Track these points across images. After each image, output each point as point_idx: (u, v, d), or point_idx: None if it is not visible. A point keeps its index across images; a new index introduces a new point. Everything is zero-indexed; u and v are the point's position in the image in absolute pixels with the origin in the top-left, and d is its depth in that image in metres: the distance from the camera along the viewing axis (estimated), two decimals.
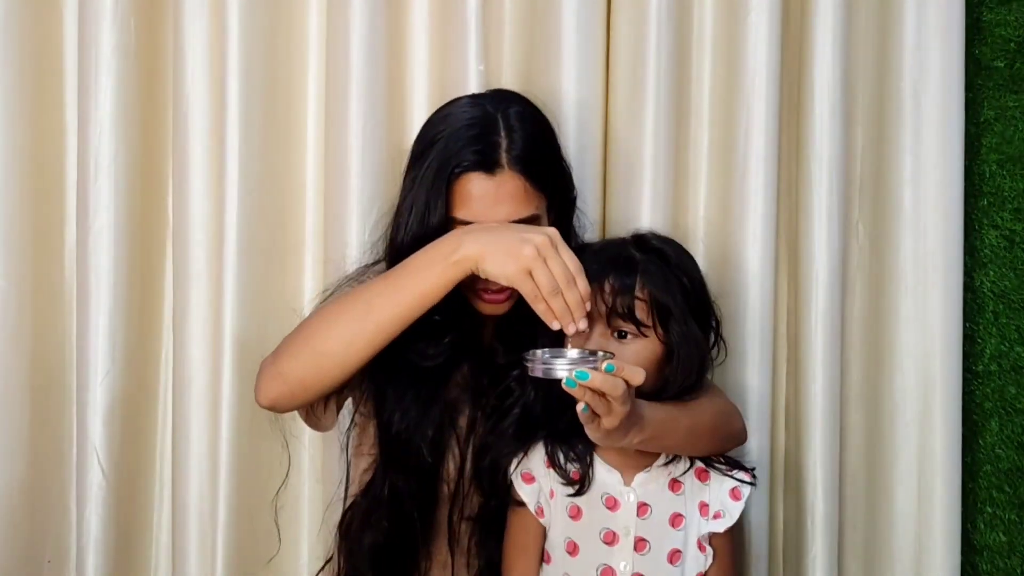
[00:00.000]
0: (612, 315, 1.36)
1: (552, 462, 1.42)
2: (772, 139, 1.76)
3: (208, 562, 1.69)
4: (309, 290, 1.77)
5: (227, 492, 1.69)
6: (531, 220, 1.39)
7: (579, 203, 1.69)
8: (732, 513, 1.44)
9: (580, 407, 1.23)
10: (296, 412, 1.49)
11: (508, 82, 1.76)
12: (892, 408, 1.86)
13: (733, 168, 1.78)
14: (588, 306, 1.31)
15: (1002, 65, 1.91)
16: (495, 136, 1.39)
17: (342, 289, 1.52)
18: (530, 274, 1.26)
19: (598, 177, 1.76)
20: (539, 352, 1.29)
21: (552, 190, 1.45)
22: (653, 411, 1.33)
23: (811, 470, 1.79)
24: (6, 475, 1.72)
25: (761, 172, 1.76)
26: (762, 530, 1.78)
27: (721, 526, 1.44)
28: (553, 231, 1.30)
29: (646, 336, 1.38)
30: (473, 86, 1.70)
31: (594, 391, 1.20)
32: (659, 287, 1.38)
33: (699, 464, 1.46)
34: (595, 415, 1.24)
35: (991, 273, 1.91)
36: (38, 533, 1.76)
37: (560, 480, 1.41)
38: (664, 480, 1.43)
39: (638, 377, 1.23)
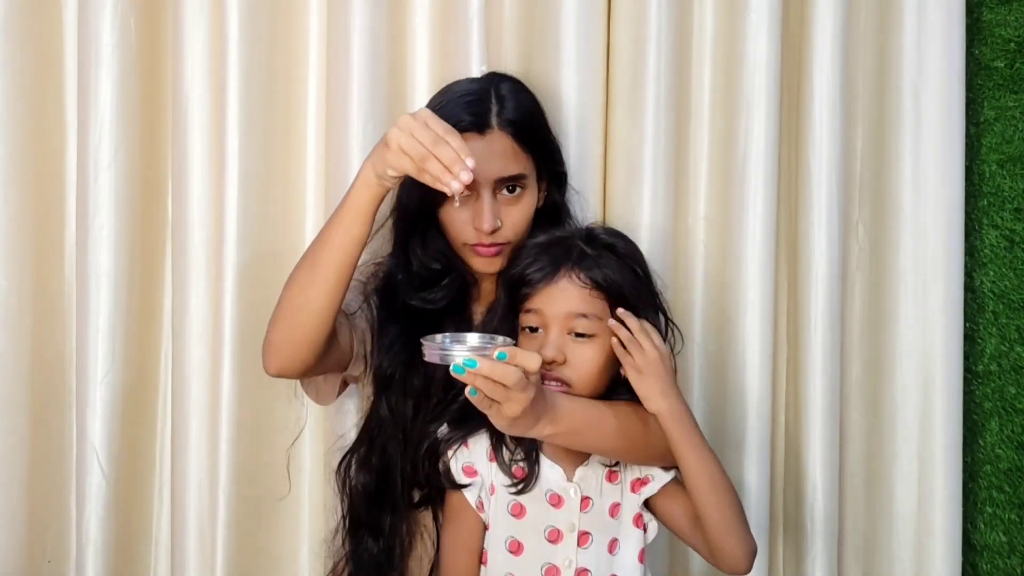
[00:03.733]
0: (576, 320, 1.37)
1: (496, 458, 1.40)
2: (772, 139, 1.77)
3: (208, 562, 1.69)
4: None
5: (227, 492, 1.68)
6: (519, 178, 1.51)
7: (580, 203, 1.70)
8: (659, 477, 1.43)
9: (468, 390, 1.23)
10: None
11: None
12: (892, 408, 1.86)
13: (733, 168, 1.78)
14: (470, 162, 1.28)
15: (1002, 65, 1.91)
16: (487, 103, 1.52)
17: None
18: (403, 151, 1.29)
19: (598, 177, 1.76)
20: (439, 337, 1.29)
21: (540, 154, 1.56)
22: (574, 405, 1.33)
23: (811, 470, 1.79)
24: (6, 475, 1.72)
25: (761, 172, 1.76)
26: (762, 530, 1.78)
27: (651, 489, 1.42)
28: (422, 110, 1.33)
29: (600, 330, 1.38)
30: None
31: (487, 378, 1.21)
32: (613, 278, 1.38)
33: None
34: (493, 402, 1.23)
35: (991, 273, 1.92)
36: (38, 533, 1.76)
37: (505, 480, 1.39)
38: (602, 472, 1.42)
39: (533, 363, 1.23)
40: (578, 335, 1.37)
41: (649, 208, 1.75)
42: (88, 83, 1.68)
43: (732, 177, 1.79)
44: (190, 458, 1.70)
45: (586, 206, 1.68)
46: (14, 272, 1.71)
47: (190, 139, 1.70)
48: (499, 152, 1.50)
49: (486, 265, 1.52)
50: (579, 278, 1.37)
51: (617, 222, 1.75)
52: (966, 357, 1.88)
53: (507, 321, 1.43)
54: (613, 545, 1.42)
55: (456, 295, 1.55)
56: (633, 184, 1.76)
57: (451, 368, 1.20)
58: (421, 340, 1.27)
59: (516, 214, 1.51)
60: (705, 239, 1.83)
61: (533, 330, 1.39)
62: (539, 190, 1.56)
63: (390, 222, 1.60)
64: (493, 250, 1.50)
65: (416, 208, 1.52)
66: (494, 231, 1.48)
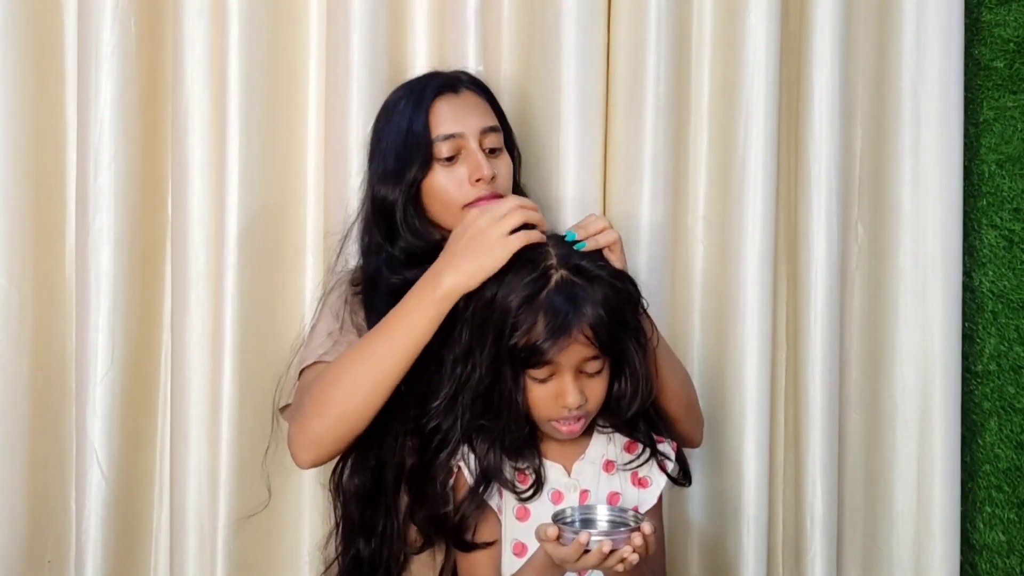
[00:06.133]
0: (585, 362, 1.34)
1: (500, 481, 1.38)
2: (771, 139, 1.77)
3: (207, 562, 1.69)
4: (309, 290, 1.77)
5: (227, 492, 1.68)
6: (497, 130, 1.55)
7: (581, 203, 1.70)
8: (658, 481, 1.42)
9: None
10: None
11: (508, 82, 1.77)
12: (892, 408, 1.86)
13: (732, 168, 1.78)
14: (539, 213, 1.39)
15: (1001, 65, 1.91)
16: (453, 75, 1.60)
17: (334, 293, 1.57)
18: (507, 239, 1.34)
19: (598, 177, 1.77)
20: (568, 510, 1.30)
21: (505, 126, 1.60)
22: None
23: (810, 470, 1.79)
24: (6, 475, 1.72)
25: (760, 172, 1.76)
26: (762, 529, 1.78)
27: (651, 496, 1.41)
28: (475, 211, 1.42)
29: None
30: None
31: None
32: (612, 321, 1.32)
33: (625, 439, 1.43)
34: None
35: (990, 273, 1.92)
36: (38, 533, 1.76)
37: (514, 494, 1.38)
38: (599, 463, 1.42)
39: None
40: (589, 374, 1.35)
41: (649, 208, 1.75)
42: (88, 83, 1.68)
43: (731, 177, 1.79)
44: (190, 458, 1.70)
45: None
46: (14, 272, 1.71)
47: (190, 139, 1.70)
48: (475, 105, 1.56)
49: None
50: (587, 335, 1.31)
51: (617, 222, 1.75)
52: (965, 357, 1.88)
53: (495, 370, 1.36)
54: None
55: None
56: (633, 184, 1.76)
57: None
58: (553, 521, 1.26)
59: (502, 167, 1.54)
60: (704, 239, 1.83)
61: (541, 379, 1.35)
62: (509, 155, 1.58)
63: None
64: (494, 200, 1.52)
65: (395, 195, 1.52)
66: (492, 178, 1.51)
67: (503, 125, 1.60)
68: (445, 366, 1.39)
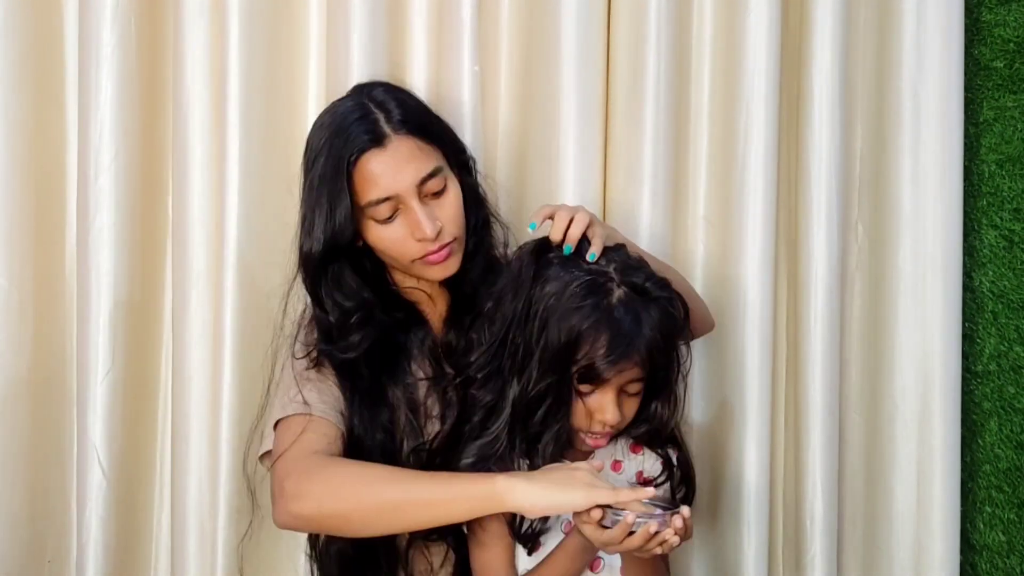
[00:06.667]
0: (630, 383, 1.34)
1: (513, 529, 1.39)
2: (772, 139, 1.77)
3: (208, 562, 1.69)
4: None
5: (227, 492, 1.68)
6: (436, 172, 1.45)
7: (581, 203, 1.69)
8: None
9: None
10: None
11: (506, 83, 1.77)
12: (892, 408, 1.86)
13: (732, 168, 1.78)
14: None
15: (1001, 65, 1.91)
16: (371, 115, 1.45)
17: (290, 349, 1.53)
18: (591, 492, 1.26)
19: (598, 177, 1.77)
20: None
21: (442, 143, 1.50)
22: None
23: (810, 470, 1.79)
24: (6, 475, 1.72)
25: (760, 172, 1.76)
26: (762, 529, 1.78)
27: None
28: (598, 463, 1.35)
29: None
30: (468, 87, 1.71)
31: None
32: (667, 347, 1.34)
33: (631, 440, 1.45)
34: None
35: (990, 273, 1.92)
36: (38, 533, 1.76)
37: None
38: (608, 462, 1.43)
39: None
40: (629, 394, 1.36)
41: (649, 208, 1.75)
42: (88, 83, 1.68)
43: (732, 177, 1.79)
44: (190, 458, 1.70)
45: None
46: (14, 272, 1.72)
47: (190, 139, 1.70)
48: (407, 156, 1.43)
49: (443, 271, 1.48)
50: (643, 358, 1.31)
51: (617, 222, 1.75)
52: (965, 357, 1.88)
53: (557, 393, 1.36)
54: None
55: (383, 331, 1.49)
56: (633, 184, 1.76)
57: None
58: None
59: (449, 209, 1.46)
60: (705, 239, 1.83)
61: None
62: (454, 176, 1.50)
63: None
64: (444, 253, 1.46)
65: (322, 252, 1.46)
66: (437, 234, 1.44)
67: (444, 146, 1.50)
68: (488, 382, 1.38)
